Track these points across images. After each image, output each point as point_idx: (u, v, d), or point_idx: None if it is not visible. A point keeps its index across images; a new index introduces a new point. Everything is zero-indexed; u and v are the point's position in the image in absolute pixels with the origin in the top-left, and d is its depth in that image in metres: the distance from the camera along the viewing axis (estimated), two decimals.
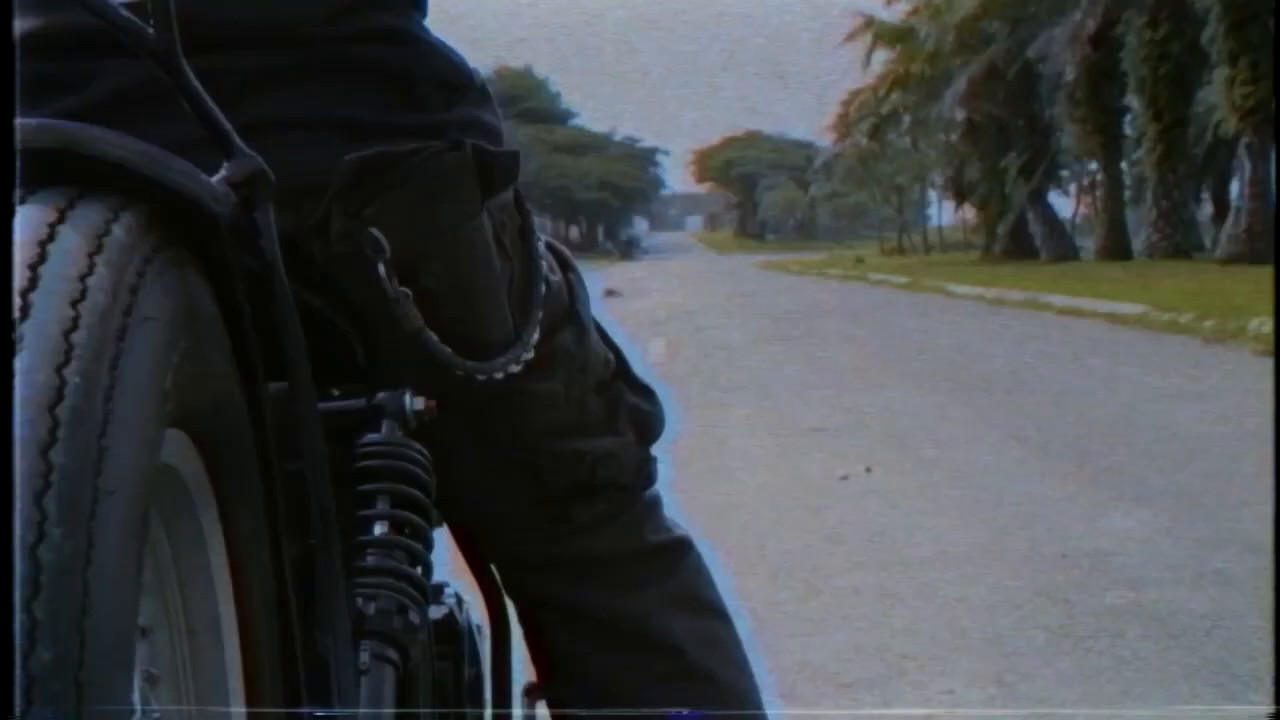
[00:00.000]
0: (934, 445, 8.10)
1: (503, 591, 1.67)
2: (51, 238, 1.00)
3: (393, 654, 1.34)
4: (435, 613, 1.55)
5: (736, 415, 9.79)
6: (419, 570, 1.40)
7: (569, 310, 1.60)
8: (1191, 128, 32.46)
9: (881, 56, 46.06)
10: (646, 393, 1.68)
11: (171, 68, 1.15)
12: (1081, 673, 3.96)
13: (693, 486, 6.51)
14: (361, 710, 1.29)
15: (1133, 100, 35.15)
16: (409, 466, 1.40)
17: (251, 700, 1.15)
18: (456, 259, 1.45)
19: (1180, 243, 32.96)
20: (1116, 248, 36.40)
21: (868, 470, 7.17)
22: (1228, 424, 7.96)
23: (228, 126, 1.18)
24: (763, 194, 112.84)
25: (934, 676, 3.97)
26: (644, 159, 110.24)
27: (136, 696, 1.07)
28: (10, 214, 0.99)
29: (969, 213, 49.89)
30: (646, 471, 1.66)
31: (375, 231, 1.39)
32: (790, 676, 3.95)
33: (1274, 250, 19.01)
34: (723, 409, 10.04)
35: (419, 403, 1.42)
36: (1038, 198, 40.72)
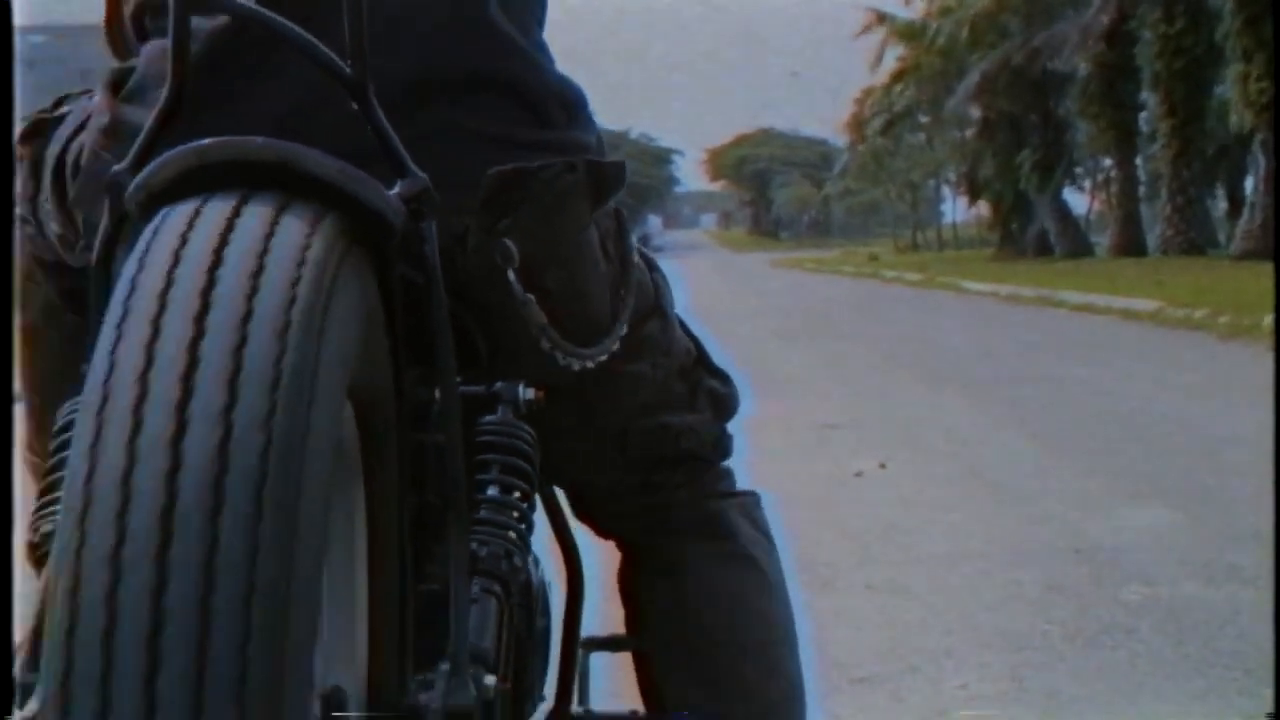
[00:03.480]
0: (948, 441, 8.10)
1: (579, 553, 1.91)
2: (266, 250, 1.14)
3: (498, 589, 1.57)
4: None
5: (751, 411, 9.78)
6: (523, 526, 1.63)
7: (655, 304, 1.84)
8: (1206, 123, 32.40)
9: (894, 54, 46.11)
10: (723, 377, 1.99)
11: (362, 100, 1.30)
12: (1096, 668, 3.96)
13: None
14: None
15: (1147, 96, 35.13)
16: (519, 444, 1.64)
17: (374, 624, 1.35)
18: (573, 263, 1.68)
19: (1195, 239, 32.93)
20: (1131, 244, 36.39)
21: (882, 466, 7.17)
22: (1241, 420, 7.94)
23: (402, 150, 1.32)
24: (776, 191, 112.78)
25: (947, 672, 3.97)
26: (658, 157, 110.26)
27: None
28: (10, 213, 1.02)
29: (983, 209, 49.87)
30: (723, 446, 1.99)
31: (508, 241, 1.60)
32: (802, 671, 3.94)
33: (1274, 249, 18.94)
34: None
35: (530, 392, 1.65)
36: (1052, 194, 40.70)
